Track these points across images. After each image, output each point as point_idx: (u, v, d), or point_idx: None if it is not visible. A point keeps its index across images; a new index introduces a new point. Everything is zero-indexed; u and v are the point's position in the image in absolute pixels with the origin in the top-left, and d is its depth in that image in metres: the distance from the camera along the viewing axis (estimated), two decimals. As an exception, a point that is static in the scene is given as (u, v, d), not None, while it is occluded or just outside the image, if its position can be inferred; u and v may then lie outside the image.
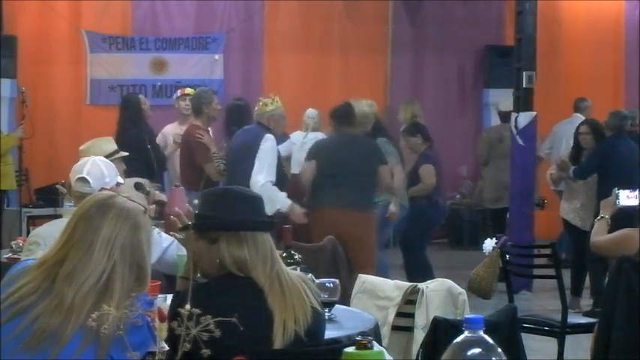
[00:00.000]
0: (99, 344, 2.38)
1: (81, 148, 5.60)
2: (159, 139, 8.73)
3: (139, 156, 7.72)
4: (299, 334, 2.78)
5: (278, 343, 2.76)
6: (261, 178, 6.95)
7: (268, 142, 7.09)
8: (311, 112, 8.98)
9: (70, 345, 2.40)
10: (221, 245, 2.87)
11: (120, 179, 4.59)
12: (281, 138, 7.70)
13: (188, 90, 8.87)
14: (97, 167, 4.42)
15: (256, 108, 7.34)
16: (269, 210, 6.70)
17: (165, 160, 8.57)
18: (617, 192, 5.22)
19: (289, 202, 7.08)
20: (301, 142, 8.45)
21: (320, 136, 8.21)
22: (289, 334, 2.77)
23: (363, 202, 7.17)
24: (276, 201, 6.96)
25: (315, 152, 7.34)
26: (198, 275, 2.97)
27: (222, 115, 7.97)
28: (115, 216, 2.60)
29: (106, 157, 5.77)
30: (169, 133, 8.77)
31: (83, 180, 4.36)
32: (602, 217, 5.12)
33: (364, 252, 6.97)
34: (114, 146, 5.71)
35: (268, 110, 7.24)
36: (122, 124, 8.48)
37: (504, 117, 9.59)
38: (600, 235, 5.07)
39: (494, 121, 12.19)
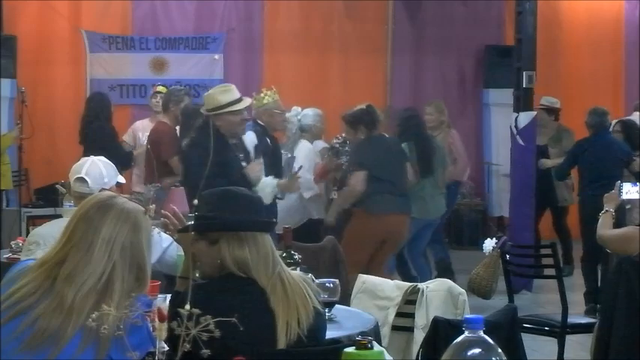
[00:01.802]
0: (99, 345, 2.38)
1: (206, 94, 6.28)
2: (128, 134, 8.90)
3: (105, 152, 7.86)
4: (302, 335, 2.79)
5: (281, 343, 2.76)
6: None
7: (245, 142, 6.82)
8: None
9: (70, 345, 2.40)
10: (222, 246, 2.87)
11: (121, 179, 4.58)
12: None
13: (160, 88, 8.95)
14: (96, 167, 4.41)
15: (252, 103, 7.17)
16: (268, 200, 6.48)
17: (130, 156, 8.71)
18: (620, 185, 5.25)
19: (275, 181, 6.67)
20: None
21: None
22: (293, 335, 2.77)
23: (407, 204, 7.28)
24: (266, 187, 6.54)
25: (363, 159, 7.16)
26: (197, 275, 2.97)
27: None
28: (115, 216, 2.60)
29: (215, 109, 6.02)
30: (139, 129, 8.85)
31: (82, 180, 4.36)
32: (606, 210, 5.14)
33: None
34: (227, 98, 6.05)
35: (262, 105, 7.09)
36: (85, 118, 8.92)
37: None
38: (606, 229, 5.09)
39: (495, 121, 12.20)
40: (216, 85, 11.49)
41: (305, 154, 7.88)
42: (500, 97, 11.37)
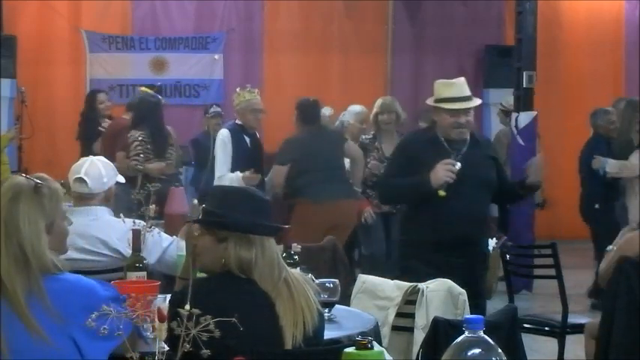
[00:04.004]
0: (61, 325, 2.42)
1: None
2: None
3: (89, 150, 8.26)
4: (307, 337, 2.79)
5: (287, 346, 2.77)
6: (217, 172, 7.29)
7: (217, 138, 7.37)
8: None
9: (46, 330, 2.43)
10: (229, 245, 2.85)
11: (120, 178, 4.58)
12: None
13: (144, 89, 8.94)
14: (96, 167, 4.40)
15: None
16: None
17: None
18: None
19: (240, 175, 7.13)
20: None
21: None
22: (299, 338, 2.78)
23: (350, 191, 7.45)
24: (232, 183, 7.02)
25: (285, 155, 7.42)
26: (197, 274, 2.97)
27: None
28: (2, 192, 2.54)
29: (435, 101, 5.17)
30: None
31: (81, 180, 4.35)
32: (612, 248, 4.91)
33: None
34: (447, 92, 5.15)
35: (237, 103, 7.37)
36: (81, 117, 9.24)
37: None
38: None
39: (495, 121, 12.20)
40: (215, 84, 11.65)
41: None
42: (500, 97, 11.37)
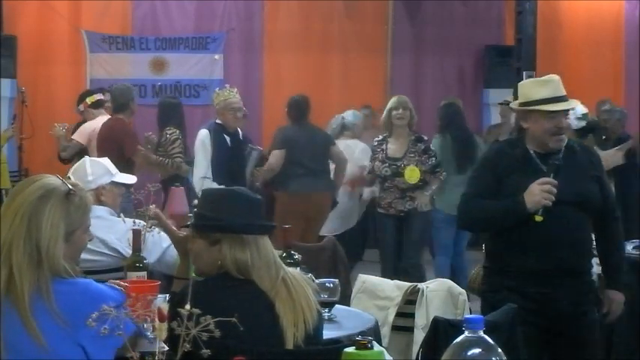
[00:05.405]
0: (66, 329, 2.42)
1: (521, 82, 4.48)
2: (80, 133, 8.81)
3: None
4: (307, 337, 2.79)
5: (288, 346, 2.77)
6: (196, 172, 7.40)
7: (197, 138, 7.47)
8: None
9: (45, 331, 2.43)
10: (223, 247, 2.85)
11: (121, 178, 4.53)
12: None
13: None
14: (82, 167, 4.39)
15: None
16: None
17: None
18: None
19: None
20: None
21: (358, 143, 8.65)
22: (300, 339, 2.77)
23: (326, 184, 7.94)
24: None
25: (283, 140, 7.90)
26: (193, 275, 2.97)
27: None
28: (33, 188, 2.56)
29: (524, 104, 4.26)
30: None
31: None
32: None
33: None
34: (543, 92, 4.23)
35: (215, 103, 7.51)
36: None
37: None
38: None
39: (495, 121, 12.20)
40: (215, 85, 11.64)
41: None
42: (500, 97, 11.36)
